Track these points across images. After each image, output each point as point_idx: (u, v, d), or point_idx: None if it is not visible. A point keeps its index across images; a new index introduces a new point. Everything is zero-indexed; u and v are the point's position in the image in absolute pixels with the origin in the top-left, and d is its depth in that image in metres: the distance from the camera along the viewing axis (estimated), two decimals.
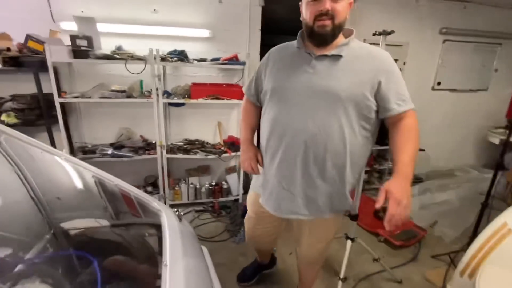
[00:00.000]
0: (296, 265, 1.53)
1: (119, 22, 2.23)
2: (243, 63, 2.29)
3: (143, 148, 2.40)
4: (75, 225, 1.14)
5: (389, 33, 1.36)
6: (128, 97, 2.22)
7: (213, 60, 2.34)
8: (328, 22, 0.93)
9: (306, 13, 0.97)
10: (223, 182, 2.67)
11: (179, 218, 1.12)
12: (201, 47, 2.47)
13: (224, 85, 2.44)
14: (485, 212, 1.94)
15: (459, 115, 3.45)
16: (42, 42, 1.94)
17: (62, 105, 2.16)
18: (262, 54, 2.66)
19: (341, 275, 1.59)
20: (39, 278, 0.80)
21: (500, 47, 3.24)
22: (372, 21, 2.69)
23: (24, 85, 2.10)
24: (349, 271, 1.83)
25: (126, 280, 0.92)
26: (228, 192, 2.66)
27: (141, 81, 2.29)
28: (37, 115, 2.14)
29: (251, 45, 2.55)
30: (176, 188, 2.54)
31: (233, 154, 2.50)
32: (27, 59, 1.97)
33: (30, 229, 1.06)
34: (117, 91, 2.18)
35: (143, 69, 2.10)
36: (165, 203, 2.51)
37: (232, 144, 2.58)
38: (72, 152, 2.37)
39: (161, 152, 2.36)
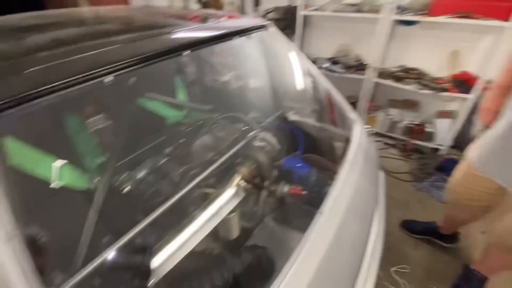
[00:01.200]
0: (484, 244, 1.27)
1: None
2: None
3: (354, 67, 2.47)
4: (291, 114, 1.54)
5: None
6: (358, 11, 2.21)
7: None
8: None
9: None
10: (429, 125, 2.32)
11: (368, 135, 1.21)
12: None
13: None
14: None
15: None
16: None
17: (304, 17, 2.54)
18: None
19: None
20: (271, 133, 1.23)
21: None
22: None
23: None
24: None
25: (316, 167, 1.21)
26: (430, 137, 2.31)
27: None
28: (286, 24, 2.69)
29: None
30: (373, 115, 2.54)
31: (458, 95, 2.02)
32: None
33: (268, 106, 1.56)
34: (349, 4, 2.22)
35: None
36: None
37: (462, 83, 2.04)
38: None
39: (371, 75, 2.33)
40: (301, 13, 2.44)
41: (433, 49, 2.22)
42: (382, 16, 2.06)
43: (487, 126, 1.12)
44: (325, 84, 1.31)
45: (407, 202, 1.88)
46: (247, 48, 1.27)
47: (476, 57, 2.06)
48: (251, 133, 1.12)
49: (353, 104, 2.70)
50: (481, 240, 1.56)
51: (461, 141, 2.13)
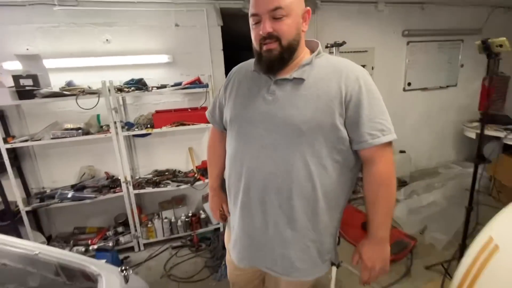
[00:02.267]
0: None
1: (69, 56, 2.10)
2: (206, 86, 2.19)
3: (107, 187, 2.21)
4: None
5: (341, 44, 1.30)
6: (86, 133, 2.06)
7: (175, 85, 2.22)
8: (274, 45, 0.78)
9: (252, 37, 0.82)
10: (201, 212, 2.49)
11: (126, 279, 0.95)
12: (162, 73, 2.36)
13: (189, 110, 2.32)
14: (472, 212, 1.85)
15: (434, 112, 3.46)
16: None
17: (13, 150, 1.98)
18: (227, 73, 2.58)
19: None
20: None
21: (462, 43, 3.31)
22: (334, 29, 2.67)
23: None
24: None
25: None
26: (207, 221, 2.48)
27: (98, 116, 2.14)
28: None
29: (214, 66, 2.46)
30: (149, 225, 2.34)
31: (207, 180, 2.35)
32: None
33: None
34: (72, 129, 2.02)
35: (97, 103, 1.95)
36: (138, 244, 2.30)
37: (206, 170, 2.43)
38: (29, 197, 2.16)
39: (127, 189, 2.17)
40: (4, 147, 1.87)
41: (175, 150, 2.52)
42: (112, 135, 2.04)
43: (222, 220, 1.25)
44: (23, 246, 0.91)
45: None
46: None
47: (205, 148, 2.59)
48: None
49: (124, 222, 2.37)
50: None
51: None
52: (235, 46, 3.31)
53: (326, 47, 1.36)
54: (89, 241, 2.23)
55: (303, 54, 0.86)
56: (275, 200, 0.85)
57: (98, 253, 2.11)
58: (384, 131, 0.79)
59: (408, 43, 3.11)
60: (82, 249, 2.18)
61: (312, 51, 0.87)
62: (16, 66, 1.96)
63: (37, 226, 2.33)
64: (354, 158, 0.85)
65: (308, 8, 0.83)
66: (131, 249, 2.30)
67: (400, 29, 3.04)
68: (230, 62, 2.37)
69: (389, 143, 0.81)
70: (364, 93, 0.78)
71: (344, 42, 1.25)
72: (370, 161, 0.82)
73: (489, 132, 2.81)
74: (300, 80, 0.81)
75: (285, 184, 0.83)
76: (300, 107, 0.80)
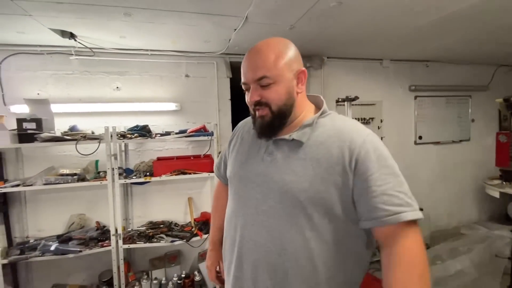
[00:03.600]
0: None
1: (78, 101, 2.13)
2: (211, 134, 2.13)
3: (95, 239, 2.01)
4: None
5: (353, 99, 1.24)
6: (82, 179, 1.95)
7: (180, 132, 2.18)
8: (265, 112, 0.74)
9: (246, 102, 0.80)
10: (195, 273, 2.21)
11: None
12: (168, 120, 2.35)
13: (192, 158, 2.23)
14: None
15: (449, 167, 3.28)
16: None
17: (3, 194, 1.87)
18: (234, 123, 2.56)
19: None
20: None
21: (470, 99, 3.30)
22: (340, 84, 2.71)
23: None
24: None
25: None
26: (201, 285, 2.18)
27: (96, 161, 2.06)
28: None
29: (221, 114, 2.45)
30: (135, 287, 2.06)
31: (205, 236, 2.13)
32: None
33: None
34: (67, 174, 1.92)
35: (96, 149, 1.89)
36: None
37: (205, 224, 2.23)
38: (10, 247, 1.96)
39: (117, 243, 1.97)
40: None
41: (174, 200, 2.37)
42: (108, 182, 1.92)
43: (217, 282, 1.06)
44: None
45: None
46: None
47: (207, 198, 2.42)
48: None
49: (109, 281, 2.10)
50: None
51: None
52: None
53: (337, 101, 1.32)
54: None
55: (305, 112, 0.79)
56: (267, 280, 0.70)
57: None
58: (402, 205, 0.63)
59: (415, 97, 3.11)
60: None
61: (318, 107, 0.81)
62: (23, 109, 1.97)
63: (14, 281, 2.08)
64: (366, 234, 0.71)
65: (303, 69, 0.76)
66: None
67: (406, 84, 3.07)
68: (238, 111, 2.37)
69: (413, 222, 0.64)
70: (373, 159, 0.66)
71: (356, 97, 1.21)
72: (388, 241, 0.65)
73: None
74: (299, 143, 0.73)
75: (280, 261, 0.69)
76: (297, 173, 0.70)
